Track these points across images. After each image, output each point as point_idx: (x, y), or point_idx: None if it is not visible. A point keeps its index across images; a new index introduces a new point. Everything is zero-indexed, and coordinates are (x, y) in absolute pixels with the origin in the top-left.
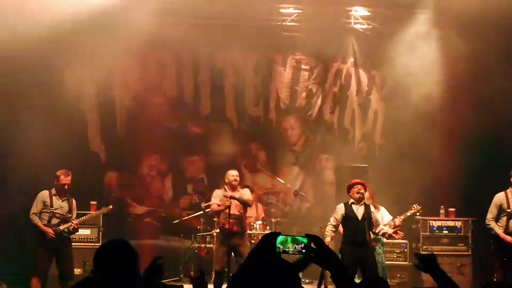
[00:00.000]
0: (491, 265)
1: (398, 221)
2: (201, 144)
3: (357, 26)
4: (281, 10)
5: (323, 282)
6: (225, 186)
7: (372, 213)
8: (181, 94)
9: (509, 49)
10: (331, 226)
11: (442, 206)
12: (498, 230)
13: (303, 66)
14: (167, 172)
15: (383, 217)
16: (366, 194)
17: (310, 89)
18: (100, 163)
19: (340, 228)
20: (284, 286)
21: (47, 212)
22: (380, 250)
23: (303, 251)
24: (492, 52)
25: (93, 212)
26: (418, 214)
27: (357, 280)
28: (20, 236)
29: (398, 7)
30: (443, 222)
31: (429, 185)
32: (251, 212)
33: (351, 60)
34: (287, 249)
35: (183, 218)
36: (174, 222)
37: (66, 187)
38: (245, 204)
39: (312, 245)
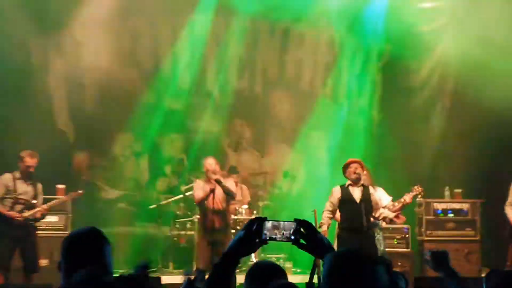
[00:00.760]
0: (502, 252)
1: (405, 200)
2: (180, 121)
3: None
4: None
5: (315, 272)
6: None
7: (371, 195)
8: (157, 66)
9: None
10: (328, 212)
11: (447, 187)
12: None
13: (293, 34)
14: (143, 152)
15: (381, 199)
16: (364, 174)
17: (300, 59)
18: (67, 143)
19: (338, 215)
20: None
21: (10, 198)
22: (379, 236)
23: (292, 237)
24: None
25: (61, 197)
26: (420, 196)
27: None
28: None
29: None
30: (448, 204)
31: (431, 164)
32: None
33: (345, 26)
34: (274, 236)
35: (161, 203)
36: (151, 207)
37: (31, 169)
38: (228, 194)
39: (302, 230)
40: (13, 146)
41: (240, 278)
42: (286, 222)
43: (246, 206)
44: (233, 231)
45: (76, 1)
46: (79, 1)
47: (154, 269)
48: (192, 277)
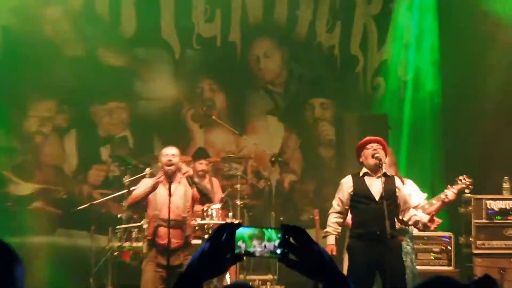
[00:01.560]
0: None
1: (446, 196)
2: (122, 82)
3: None
4: None
5: None
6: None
7: (397, 190)
8: (91, 5)
9: None
10: (335, 215)
11: (505, 178)
12: None
13: None
14: (68, 128)
15: (411, 196)
16: (387, 160)
17: None
18: None
19: (349, 218)
20: None
21: None
22: (409, 248)
23: (278, 251)
24: None
25: None
26: (467, 191)
27: None
28: None
29: None
30: (507, 203)
31: (482, 148)
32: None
33: None
34: (252, 250)
35: (95, 202)
36: (80, 208)
37: None
38: (205, 197)
39: (292, 241)
40: None
41: None
42: (269, 230)
43: (217, 206)
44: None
45: None
46: None
47: None
48: None
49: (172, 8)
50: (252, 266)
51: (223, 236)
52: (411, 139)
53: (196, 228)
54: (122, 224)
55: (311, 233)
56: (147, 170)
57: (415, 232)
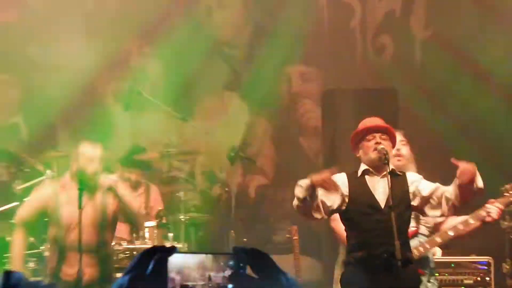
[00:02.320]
0: None
1: (489, 214)
2: (10, 46)
3: None
4: None
5: None
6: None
7: (414, 194)
8: None
9: None
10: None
11: None
12: None
13: None
14: None
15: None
16: (405, 152)
17: None
18: None
19: (340, 230)
20: None
21: None
22: (431, 282)
23: (230, 286)
24: None
25: None
26: None
27: None
28: None
29: None
30: None
31: None
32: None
33: None
34: (191, 285)
35: None
36: None
37: None
38: (129, 222)
39: (249, 271)
40: None
41: None
42: (217, 256)
43: (151, 224)
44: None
45: None
46: None
47: None
48: None
49: None
50: None
51: (149, 266)
52: None
53: (120, 255)
54: (12, 251)
55: (287, 259)
56: (48, 173)
57: (438, 255)
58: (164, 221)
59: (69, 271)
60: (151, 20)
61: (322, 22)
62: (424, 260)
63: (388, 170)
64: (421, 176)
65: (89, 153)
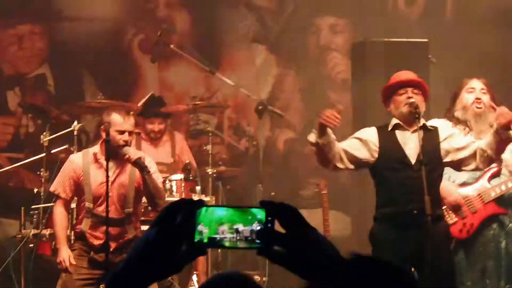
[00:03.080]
0: None
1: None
2: None
3: None
4: None
5: None
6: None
7: (447, 150)
8: None
9: None
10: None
11: None
12: None
13: None
14: None
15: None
16: (477, 100)
17: None
18: None
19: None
20: None
21: None
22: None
23: (257, 241)
24: None
25: None
26: None
27: None
28: None
29: None
30: None
31: None
32: (162, 155)
33: None
34: (218, 237)
35: (0, 170)
36: None
37: None
38: (150, 200)
39: (277, 226)
40: None
41: None
42: (245, 209)
43: (180, 177)
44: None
45: None
46: None
47: None
48: None
49: None
50: (230, 262)
51: (176, 219)
52: None
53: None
54: (40, 203)
55: (316, 214)
56: (75, 125)
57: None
58: (192, 174)
59: (94, 239)
60: None
61: None
62: (506, 199)
63: (419, 125)
64: (456, 130)
65: (120, 124)
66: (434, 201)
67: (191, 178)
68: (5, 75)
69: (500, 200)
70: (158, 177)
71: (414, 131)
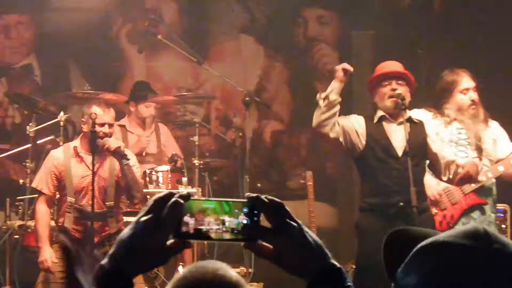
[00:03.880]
0: None
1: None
2: None
3: None
4: None
5: None
6: (79, 140)
7: (429, 141)
8: None
9: None
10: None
11: None
12: None
13: None
14: None
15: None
16: (472, 100)
17: None
18: None
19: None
20: None
21: None
22: (493, 216)
23: (243, 234)
24: None
25: None
26: None
27: None
28: None
29: None
30: None
31: None
32: (150, 146)
33: None
34: (204, 228)
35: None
36: None
37: None
38: (126, 191)
39: (262, 219)
40: None
41: None
42: (231, 202)
43: (166, 168)
44: None
45: None
46: None
47: None
48: None
49: None
50: (216, 254)
51: (163, 211)
52: None
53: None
54: (25, 194)
55: (302, 205)
56: (62, 116)
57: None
58: (178, 165)
59: (76, 233)
60: None
61: None
62: (486, 190)
63: (405, 118)
64: (437, 121)
65: (100, 117)
66: (419, 192)
67: (177, 167)
68: None
69: (481, 190)
70: (137, 170)
71: (400, 123)
